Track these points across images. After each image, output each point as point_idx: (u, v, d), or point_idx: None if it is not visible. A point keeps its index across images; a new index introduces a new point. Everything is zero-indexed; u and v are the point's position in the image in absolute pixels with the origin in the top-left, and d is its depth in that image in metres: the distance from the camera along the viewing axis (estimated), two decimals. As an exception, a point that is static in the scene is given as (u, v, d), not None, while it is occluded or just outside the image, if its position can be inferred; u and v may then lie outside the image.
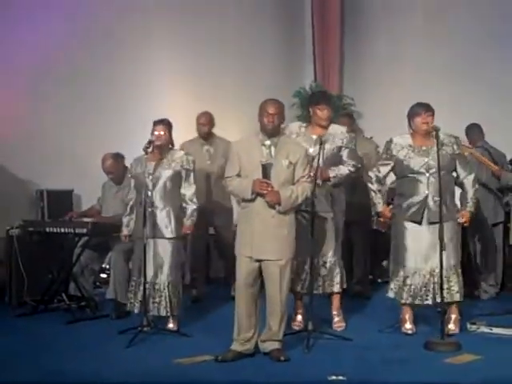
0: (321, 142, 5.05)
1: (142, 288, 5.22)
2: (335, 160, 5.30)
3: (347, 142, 5.33)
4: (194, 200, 5.42)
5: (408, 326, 5.22)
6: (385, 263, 7.23)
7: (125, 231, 5.49)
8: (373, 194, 5.28)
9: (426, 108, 5.14)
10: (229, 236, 6.47)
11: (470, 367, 4.43)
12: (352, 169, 5.31)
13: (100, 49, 7.45)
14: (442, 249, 4.85)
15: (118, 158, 6.19)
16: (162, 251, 5.30)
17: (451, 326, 5.17)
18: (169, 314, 5.32)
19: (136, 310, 5.31)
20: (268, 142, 4.64)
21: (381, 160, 5.32)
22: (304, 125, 5.40)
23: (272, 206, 4.55)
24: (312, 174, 4.83)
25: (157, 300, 5.28)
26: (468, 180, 5.19)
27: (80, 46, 7.36)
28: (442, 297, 4.90)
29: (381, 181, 5.26)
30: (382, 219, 5.36)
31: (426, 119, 5.09)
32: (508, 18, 7.82)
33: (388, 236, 7.19)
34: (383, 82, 8.74)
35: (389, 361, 4.56)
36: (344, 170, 5.29)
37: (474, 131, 6.53)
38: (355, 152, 5.41)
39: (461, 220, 5.16)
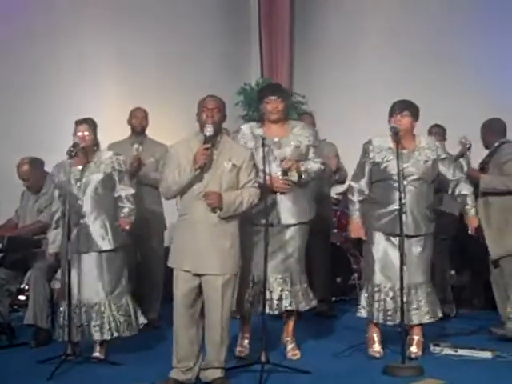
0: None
1: (78, 311, 5.13)
2: (301, 160, 5.20)
3: (313, 139, 5.25)
4: (132, 200, 5.34)
5: (376, 348, 5.22)
6: (339, 280, 7.28)
7: (51, 249, 5.36)
8: (351, 205, 5.27)
9: (403, 107, 5.10)
10: (155, 251, 6.42)
11: (434, 393, 4.47)
12: (322, 166, 5.24)
13: (18, 41, 7.34)
14: (402, 264, 4.89)
15: (36, 163, 6.07)
16: (99, 266, 5.19)
17: (413, 349, 5.20)
18: (115, 336, 5.21)
19: (77, 339, 5.17)
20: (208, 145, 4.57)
21: (359, 167, 5.27)
22: (257, 125, 5.25)
23: (213, 211, 4.50)
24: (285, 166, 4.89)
25: (98, 322, 5.17)
26: (462, 181, 5.18)
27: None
28: (402, 316, 4.90)
29: (363, 191, 5.22)
30: (351, 231, 5.30)
31: (399, 120, 5.06)
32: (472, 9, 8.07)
33: (343, 251, 7.34)
34: (338, 77, 8.82)
35: (345, 389, 4.57)
36: (314, 165, 5.18)
37: (437, 132, 6.56)
38: (320, 150, 5.36)
39: (471, 230, 5.16)
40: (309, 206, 5.30)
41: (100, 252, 5.20)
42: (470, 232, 5.21)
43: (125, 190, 5.32)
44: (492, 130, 5.84)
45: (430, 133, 6.45)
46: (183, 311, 4.54)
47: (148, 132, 6.55)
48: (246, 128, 5.24)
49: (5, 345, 5.71)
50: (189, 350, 4.56)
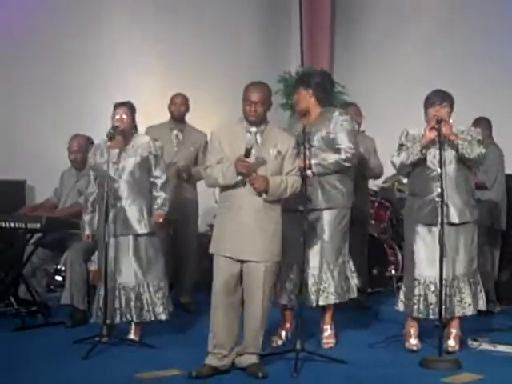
0: (304, 131, 4.85)
1: (117, 294, 5.15)
2: (327, 148, 5.13)
3: (341, 125, 5.14)
4: (165, 188, 5.35)
5: (413, 341, 5.16)
6: (375, 271, 7.22)
7: (87, 230, 5.36)
8: (403, 155, 5.08)
9: (442, 98, 5.08)
10: (190, 236, 6.43)
11: (470, 388, 4.42)
12: (343, 156, 5.12)
13: (56, 22, 7.36)
14: (441, 255, 4.82)
15: (88, 141, 6.11)
16: (136, 249, 5.20)
17: (451, 342, 5.13)
18: (152, 319, 5.24)
19: (117, 320, 5.20)
20: (253, 129, 4.56)
21: (397, 150, 5.19)
22: (292, 118, 5.19)
23: (259, 195, 4.45)
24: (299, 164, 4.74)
25: (138, 305, 5.19)
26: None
27: (32, 20, 7.26)
28: (440, 309, 4.84)
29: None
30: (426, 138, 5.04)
31: (439, 111, 5.03)
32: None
33: (380, 242, 7.28)
34: (379, 67, 8.74)
35: (381, 380, 4.54)
36: (330, 157, 5.11)
37: (481, 126, 6.43)
38: (351, 136, 5.18)
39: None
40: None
41: (136, 235, 5.21)
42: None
43: (159, 178, 5.32)
44: None
45: (475, 125, 6.31)
46: (222, 298, 4.50)
47: (188, 117, 6.54)
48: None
49: (41, 324, 5.75)
50: (225, 338, 4.52)
